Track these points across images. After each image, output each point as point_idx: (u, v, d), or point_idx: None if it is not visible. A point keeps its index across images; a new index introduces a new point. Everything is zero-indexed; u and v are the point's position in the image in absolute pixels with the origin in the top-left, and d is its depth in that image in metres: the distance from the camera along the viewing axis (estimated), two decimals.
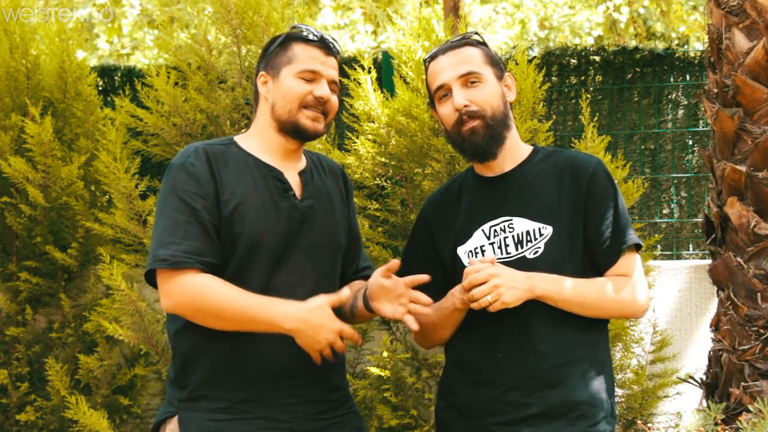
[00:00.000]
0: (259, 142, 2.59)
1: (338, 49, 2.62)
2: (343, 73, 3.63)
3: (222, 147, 2.56)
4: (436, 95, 2.62)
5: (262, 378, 2.45)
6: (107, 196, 4.29)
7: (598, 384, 2.51)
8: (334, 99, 2.58)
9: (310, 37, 2.56)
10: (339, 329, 2.37)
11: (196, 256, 2.38)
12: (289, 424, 2.46)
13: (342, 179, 2.73)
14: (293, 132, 2.53)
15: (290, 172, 2.57)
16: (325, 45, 2.56)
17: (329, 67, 2.56)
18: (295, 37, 2.57)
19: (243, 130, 3.99)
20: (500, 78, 2.62)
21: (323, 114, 2.54)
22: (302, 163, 2.63)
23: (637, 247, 2.57)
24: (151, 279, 2.47)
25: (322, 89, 2.53)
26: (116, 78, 6.34)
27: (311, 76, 2.53)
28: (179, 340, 2.51)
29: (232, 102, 4.02)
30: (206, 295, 2.37)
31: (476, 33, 2.68)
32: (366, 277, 2.68)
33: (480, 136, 2.55)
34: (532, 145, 2.70)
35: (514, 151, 2.63)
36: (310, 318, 2.35)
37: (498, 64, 2.64)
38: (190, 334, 2.48)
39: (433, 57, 2.64)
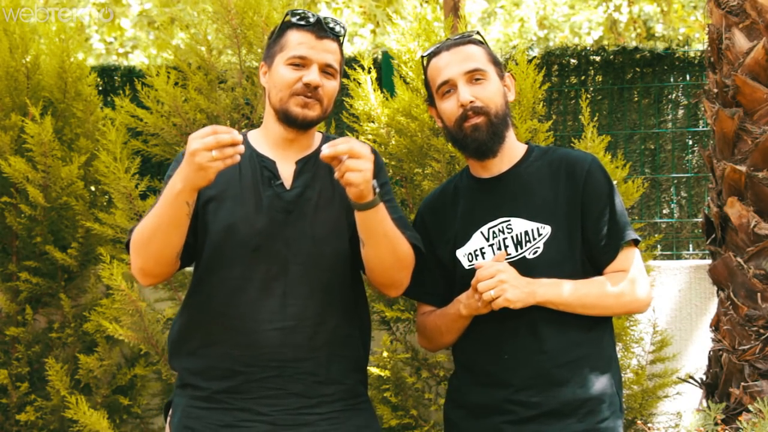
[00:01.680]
0: (263, 133, 2.59)
1: (338, 30, 2.53)
2: (343, 73, 3.63)
3: None
4: (439, 91, 2.60)
5: (244, 369, 2.44)
6: (107, 196, 4.29)
7: (606, 380, 2.52)
8: (329, 84, 2.51)
9: (302, 21, 2.49)
10: (194, 143, 2.21)
11: None
12: (269, 417, 2.44)
13: None
14: (285, 120, 2.51)
15: (287, 161, 2.54)
16: (318, 28, 2.49)
17: (322, 51, 2.49)
18: (289, 23, 2.52)
19: (243, 130, 4.00)
20: (501, 77, 2.63)
21: (316, 100, 2.49)
22: (309, 150, 2.58)
23: (635, 243, 2.57)
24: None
25: (311, 75, 2.47)
26: (116, 78, 6.35)
27: (300, 62, 2.48)
28: (171, 330, 2.57)
29: (232, 102, 4.02)
30: (136, 231, 2.41)
31: (477, 33, 2.68)
32: None
33: (483, 133, 2.55)
34: (526, 143, 2.70)
35: (511, 151, 2.63)
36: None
37: (499, 64, 2.64)
38: (179, 322, 2.54)
39: (435, 53, 2.62)
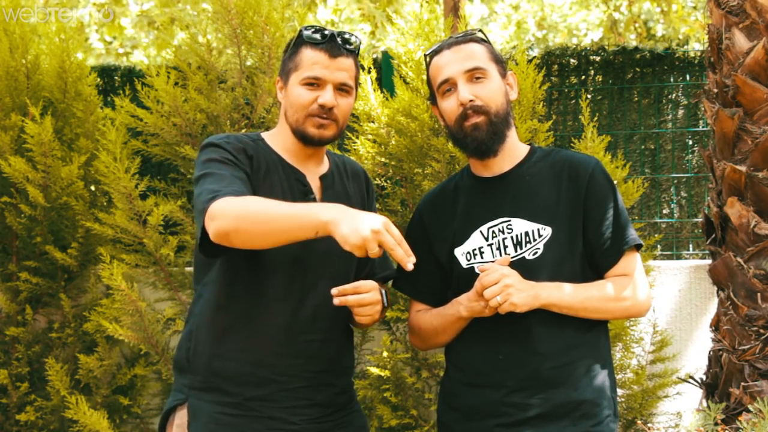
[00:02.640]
0: (282, 142, 2.59)
1: (352, 46, 2.52)
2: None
3: (251, 141, 2.56)
4: (440, 90, 2.60)
5: (278, 378, 2.47)
6: (107, 196, 4.29)
7: (601, 382, 2.51)
8: (344, 102, 2.52)
9: (315, 40, 2.49)
10: (379, 225, 2.15)
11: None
12: (297, 426, 2.48)
13: (365, 183, 2.72)
14: (302, 139, 2.54)
15: (311, 176, 2.58)
16: (331, 46, 2.49)
17: (336, 70, 2.49)
18: (303, 40, 2.52)
19: (243, 131, 3.99)
20: (503, 76, 2.62)
21: (331, 120, 2.50)
22: (324, 166, 2.63)
23: (637, 247, 2.57)
24: (205, 243, 2.35)
25: (326, 96, 2.48)
26: (116, 78, 6.34)
27: (315, 82, 2.49)
28: (200, 324, 2.51)
29: (232, 102, 4.02)
30: (248, 201, 2.29)
31: (480, 30, 2.67)
32: (380, 280, 2.66)
33: (483, 132, 2.54)
34: (529, 144, 2.70)
35: (513, 151, 2.63)
36: (348, 209, 2.22)
37: (501, 62, 2.63)
38: (208, 323, 2.49)
39: (436, 52, 2.62)
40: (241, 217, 2.26)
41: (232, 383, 2.47)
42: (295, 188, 2.52)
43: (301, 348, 2.48)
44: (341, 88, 2.51)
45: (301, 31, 2.53)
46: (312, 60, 2.49)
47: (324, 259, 2.49)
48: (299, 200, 2.50)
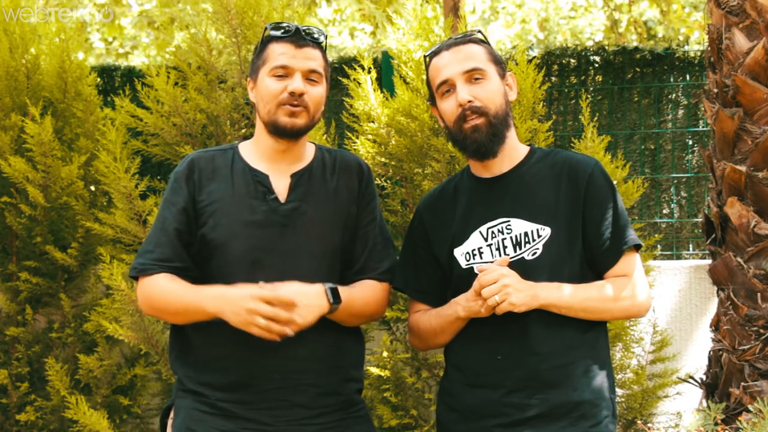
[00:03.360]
0: (255, 147, 2.61)
1: (317, 37, 2.57)
2: (343, 73, 3.64)
3: (217, 153, 2.61)
4: (439, 91, 2.60)
5: (249, 380, 2.48)
6: (107, 196, 4.29)
7: (600, 383, 2.51)
8: (314, 90, 2.54)
9: (279, 33, 2.54)
10: (254, 304, 2.35)
11: (162, 263, 2.50)
12: (273, 427, 2.47)
13: (358, 176, 2.66)
14: (274, 131, 2.55)
15: (281, 175, 2.57)
16: (297, 38, 2.53)
17: (303, 59, 2.53)
18: (270, 37, 2.57)
19: (243, 131, 4.00)
20: (502, 77, 2.62)
21: (302, 107, 2.52)
22: (302, 163, 2.61)
23: (636, 247, 2.57)
24: None
25: (295, 83, 2.51)
26: (116, 78, 6.34)
27: (283, 72, 2.52)
28: (173, 337, 2.60)
29: (232, 102, 4.02)
30: (155, 292, 2.49)
31: (479, 31, 2.67)
32: (375, 279, 2.64)
33: (482, 134, 2.54)
34: (529, 145, 2.70)
35: (513, 151, 2.63)
36: (228, 295, 2.39)
37: (500, 63, 2.63)
38: (181, 334, 2.57)
39: (436, 53, 2.62)
40: (151, 306, 2.54)
41: (206, 387, 2.50)
42: (252, 191, 2.53)
43: (267, 350, 2.44)
44: (310, 78, 2.54)
45: (265, 29, 2.58)
46: (278, 52, 2.54)
47: (292, 257, 2.49)
48: (258, 202, 2.52)
